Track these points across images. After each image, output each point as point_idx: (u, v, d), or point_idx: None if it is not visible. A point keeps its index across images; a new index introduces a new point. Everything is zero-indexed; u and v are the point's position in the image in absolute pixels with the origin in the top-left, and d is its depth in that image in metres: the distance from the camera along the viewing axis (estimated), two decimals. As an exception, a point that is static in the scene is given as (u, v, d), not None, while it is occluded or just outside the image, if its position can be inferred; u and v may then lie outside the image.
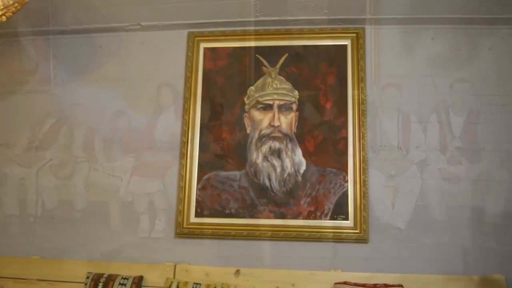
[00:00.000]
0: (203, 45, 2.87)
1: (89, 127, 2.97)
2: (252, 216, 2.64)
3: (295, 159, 2.65)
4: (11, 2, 2.16)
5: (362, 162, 2.58)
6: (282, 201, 2.62)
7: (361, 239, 2.53)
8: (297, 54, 2.77)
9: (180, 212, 2.69)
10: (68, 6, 2.82)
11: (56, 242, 2.87)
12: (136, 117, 2.92)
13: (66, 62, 3.09)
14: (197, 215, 2.69)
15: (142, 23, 2.93)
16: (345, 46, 2.75)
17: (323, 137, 2.66)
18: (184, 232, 2.67)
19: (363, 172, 2.58)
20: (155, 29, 2.96)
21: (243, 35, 2.83)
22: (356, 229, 2.54)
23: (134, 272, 2.61)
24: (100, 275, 2.59)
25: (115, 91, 2.98)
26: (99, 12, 2.85)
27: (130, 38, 3.01)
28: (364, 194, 2.56)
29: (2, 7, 2.14)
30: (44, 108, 3.06)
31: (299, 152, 2.66)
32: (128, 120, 2.92)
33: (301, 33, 2.79)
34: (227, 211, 2.66)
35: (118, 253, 2.77)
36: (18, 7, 2.26)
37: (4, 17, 2.28)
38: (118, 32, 3.02)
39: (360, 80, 2.67)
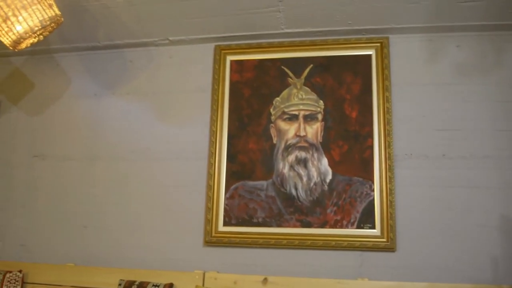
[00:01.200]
0: (229, 58, 2.94)
1: (121, 139, 3.06)
2: (279, 225, 2.67)
3: (321, 169, 2.68)
4: (48, 22, 2.27)
5: (388, 171, 2.59)
6: (309, 210, 2.65)
7: (388, 248, 2.52)
8: (322, 65, 2.81)
9: (209, 221, 2.75)
10: (100, 23, 2.92)
11: (90, 250, 2.96)
12: (165, 128, 2.99)
13: (99, 76, 3.20)
14: (225, 224, 2.74)
15: (171, 38, 3.01)
16: (369, 56, 2.77)
17: (349, 147, 2.68)
18: (212, 240, 2.73)
19: (389, 181, 2.58)
20: (183, 43, 3.04)
21: (269, 47, 2.88)
22: (383, 238, 2.54)
23: (164, 279, 2.66)
24: (131, 282, 2.65)
25: (145, 104, 3.06)
26: (130, 28, 2.94)
27: (159, 53, 3.10)
28: (390, 203, 2.56)
29: (40, 27, 2.26)
30: (77, 120, 3.17)
31: (325, 161, 2.68)
32: (157, 132, 3.00)
33: (325, 44, 2.82)
34: (255, 220, 2.71)
35: (149, 260, 2.83)
36: (55, 27, 2.38)
37: (41, 36, 2.41)
38: (147, 47, 3.11)
39: (385, 89, 2.68)
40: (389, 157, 2.61)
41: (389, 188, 2.57)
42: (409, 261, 2.53)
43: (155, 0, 2.66)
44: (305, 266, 2.62)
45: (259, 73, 2.88)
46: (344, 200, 2.62)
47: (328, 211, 2.63)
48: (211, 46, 3.00)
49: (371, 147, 2.65)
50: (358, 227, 2.59)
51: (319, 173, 2.67)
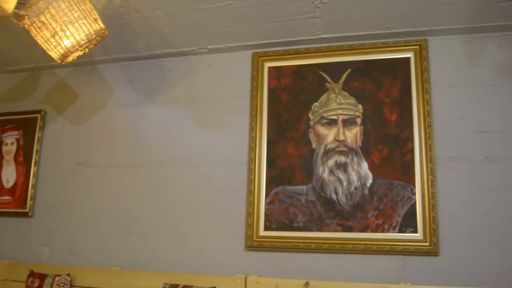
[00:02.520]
0: (267, 65, 2.97)
1: (162, 146, 3.13)
2: (319, 230, 2.68)
3: (361, 173, 2.67)
4: (93, 36, 2.36)
5: (430, 175, 2.56)
6: (349, 214, 2.65)
7: (431, 252, 2.49)
8: (360, 69, 2.80)
9: (250, 226, 2.78)
10: (140, 34, 3.01)
11: (134, 254, 3.04)
12: (205, 135, 3.05)
13: (139, 86, 3.29)
14: (266, 228, 2.76)
15: (209, 46, 3.07)
16: (408, 59, 2.74)
17: (389, 150, 2.66)
18: (253, 245, 2.76)
19: (431, 184, 2.55)
20: (221, 51, 3.10)
21: (306, 53, 2.90)
22: (425, 242, 2.51)
23: (206, 283, 2.71)
24: (175, 286, 2.71)
25: (185, 112, 3.13)
26: (169, 38, 3.02)
27: (198, 61, 3.16)
28: (433, 207, 2.53)
29: (86, 40, 2.35)
30: (120, 129, 3.27)
31: (365, 165, 2.68)
32: (197, 139, 3.06)
33: (363, 48, 2.81)
34: (295, 225, 2.72)
35: (191, 265, 2.89)
36: (99, 40, 2.47)
37: (87, 49, 2.50)
38: (186, 56, 3.18)
39: (425, 91, 2.66)
40: (430, 160, 2.58)
41: (431, 192, 2.54)
42: (453, 265, 2.49)
43: (193, 10, 2.72)
44: (346, 271, 2.62)
45: (297, 79, 2.90)
46: (385, 204, 2.61)
47: (369, 215, 2.62)
48: (249, 53, 3.04)
49: (411, 151, 2.63)
50: (400, 231, 2.56)
51: (359, 177, 2.67)
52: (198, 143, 3.05)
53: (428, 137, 2.60)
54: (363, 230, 2.61)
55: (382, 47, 2.79)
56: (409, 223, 2.56)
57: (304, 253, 2.69)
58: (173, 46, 3.10)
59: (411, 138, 2.65)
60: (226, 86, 3.07)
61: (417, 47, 2.74)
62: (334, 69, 2.84)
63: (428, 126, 2.62)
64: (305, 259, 2.69)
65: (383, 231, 2.59)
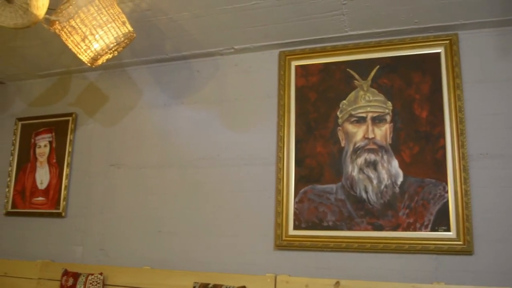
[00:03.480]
0: (294, 63, 2.96)
1: (190, 146, 3.16)
2: (349, 228, 2.65)
3: (392, 171, 2.63)
4: (122, 39, 2.40)
5: (463, 172, 2.50)
6: (380, 213, 2.61)
7: (465, 251, 2.43)
8: (389, 66, 2.76)
9: (279, 225, 2.78)
10: (168, 36, 3.04)
11: (164, 253, 3.08)
12: (233, 135, 3.06)
13: (168, 87, 3.32)
14: (295, 227, 2.75)
15: (236, 46, 3.08)
16: (438, 54, 2.69)
17: (420, 148, 2.61)
18: (283, 244, 2.75)
19: (464, 181, 2.49)
20: (248, 51, 3.10)
21: (333, 50, 2.87)
22: (459, 241, 2.45)
23: (236, 282, 2.72)
24: (205, 285, 2.73)
25: (213, 112, 3.15)
26: (196, 39, 3.04)
27: (225, 61, 3.18)
28: (466, 205, 2.47)
29: (115, 43, 2.38)
30: (149, 130, 3.32)
31: (395, 163, 2.64)
32: (225, 139, 3.07)
33: (391, 44, 2.77)
34: (325, 224, 2.70)
35: (221, 264, 2.91)
36: (128, 42, 2.50)
37: (116, 52, 2.54)
38: (213, 56, 3.20)
39: (456, 87, 2.60)
40: (463, 157, 2.52)
41: (464, 189, 2.48)
42: (488, 265, 2.43)
43: (219, 11, 2.73)
44: (377, 270, 2.59)
45: (325, 77, 2.88)
46: (417, 202, 2.56)
47: (400, 213, 2.58)
48: (275, 52, 3.04)
49: (443, 148, 2.58)
50: (432, 229, 2.52)
51: (390, 175, 2.63)
52: (227, 143, 3.06)
53: (461, 133, 2.55)
54: (394, 229, 2.58)
55: (411, 42, 2.74)
56: (441, 222, 2.51)
57: (334, 252, 2.67)
58: (200, 47, 3.12)
59: (442, 135, 2.59)
60: (253, 85, 3.08)
61: (447, 41, 2.68)
62: (362, 66, 2.81)
63: (460, 122, 2.56)
64: (335, 259, 2.67)
65: (415, 229, 2.55)
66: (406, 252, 2.54)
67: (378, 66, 2.78)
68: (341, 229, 2.67)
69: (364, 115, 2.75)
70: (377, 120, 2.72)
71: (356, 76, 2.81)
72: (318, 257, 2.71)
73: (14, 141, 3.82)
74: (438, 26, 2.67)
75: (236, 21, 2.80)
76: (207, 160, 3.09)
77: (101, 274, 3.03)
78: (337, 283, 2.57)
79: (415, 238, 2.53)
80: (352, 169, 2.71)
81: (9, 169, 3.78)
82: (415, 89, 2.69)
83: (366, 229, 2.62)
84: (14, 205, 3.70)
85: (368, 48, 2.81)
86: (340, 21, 2.70)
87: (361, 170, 2.69)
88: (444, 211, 2.51)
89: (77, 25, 2.32)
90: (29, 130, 3.78)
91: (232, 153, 3.03)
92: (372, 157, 2.68)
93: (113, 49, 2.48)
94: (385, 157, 2.66)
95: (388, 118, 2.70)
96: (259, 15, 2.73)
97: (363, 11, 2.60)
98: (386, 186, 2.63)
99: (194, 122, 3.18)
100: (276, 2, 2.60)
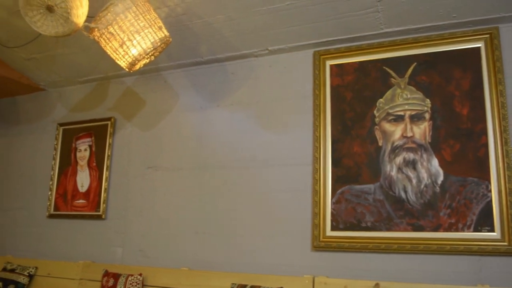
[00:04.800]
0: (329, 63, 2.93)
1: (227, 148, 3.18)
2: (388, 229, 2.60)
3: (432, 170, 2.57)
4: (159, 44, 2.45)
5: (507, 170, 2.41)
6: (420, 213, 2.55)
7: (510, 252, 2.34)
8: (426, 62, 2.70)
9: (316, 226, 2.75)
10: (202, 40, 3.08)
11: (202, 254, 3.10)
12: (269, 136, 3.05)
13: (203, 90, 3.36)
14: (333, 228, 2.72)
15: (270, 48, 3.08)
16: (478, 49, 2.61)
17: (461, 145, 2.54)
18: (320, 245, 2.73)
19: (508, 180, 2.40)
20: (282, 52, 3.10)
21: (368, 48, 2.83)
22: (504, 242, 2.36)
23: (274, 283, 2.71)
24: (243, 286, 2.73)
25: (249, 113, 3.16)
26: (230, 42, 3.06)
27: (259, 63, 3.19)
28: (511, 204, 2.38)
29: (152, 48, 2.43)
30: (186, 133, 3.36)
31: (435, 162, 2.57)
32: (261, 140, 3.07)
33: (429, 40, 2.70)
34: (363, 224, 2.66)
35: (258, 265, 2.90)
36: (164, 47, 2.55)
37: (152, 57, 2.59)
38: (248, 58, 3.21)
39: (498, 82, 2.51)
40: (506, 155, 2.43)
41: (509, 188, 2.40)
42: (535, 266, 2.34)
43: (253, 13, 2.75)
44: (418, 272, 2.52)
45: (360, 76, 2.84)
46: (459, 202, 2.49)
47: (441, 214, 2.51)
48: (309, 52, 3.02)
49: (485, 145, 2.49)
50: (475, 230, 2.44)
51: (430, 174, 2.57)
52: (262, 144, 3.06)
53: (504, 130, 2.46)
54: (435, 229, 2.51)
55: (449, 38, 2.67)
56: (485, 222, 2.43)
57: (373, 253, 2.63)
58: (235, 49, 3.14)
59: (484, 132, 2.51)
60: (288, 86, 3.07)
61: (487, 36, 2.60)
62: (399, 64, 2.76)
63: (503, 118, 2.47)
64: (374, 260, 2.63)
65: (456, 230, 2.47)
66: (448, 254, 2.47)
67: (415, 63, 2.72)
68: (380, 230, 2.62)
69: (402, 113, 2.69)
70: (416, 118, 2.66)
71: (393, 74, 2.76)
72: (356, 259, 2.67)
73: (56, 145, 3.94)
74: (477, 20, 2.59)
75: (270, 22, 2.81)
76: (243, 162, 3.09)
77: (140, 275, 3.08)
78: (377, 284, 2.52)
79: (457, 239, 2.46)
80: (391, 169, 2.66)
81: (52, 173, 3.91)
82: (455, 86, 2.62)
83: (405, 230, 2.57)
84: (56, 208, 3.82)
85: (404, 45, 2.76)
86: (375, 18, 2.67)
87: (399, 169, 2.63)
88: (487, 210, 2.43)
89: (115, 31, 2.38)
90: (70, 135, 3.89)
91: (268, 154, 3.03)
92: (411, 156, 2.62)
93: (150, 54, 2.53)
94: (424, 155, 2.60)
95: (427, 115, 2.64)
96: (293, 16, 2.73)
97: (399, 7, 2.56)
98: (426, 186, 2.57)
99: (229, 124, 3.20)
100: (310, 2, 2.60)
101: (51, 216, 3.82)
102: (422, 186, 2.57)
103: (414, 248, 2.52)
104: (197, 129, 3.32)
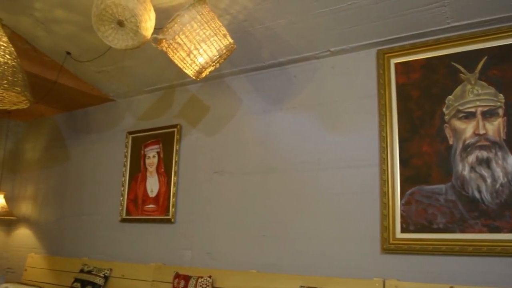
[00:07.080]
0: (393, 61, 2.87)
1: (291, 151, 3.18)
2: (462, 231, 2.50)
3: (508, 168, 2.44)
4: (224, 51, 2.50)
5: None
6: (496, 214, 2.43)
7: None
8: (498, 55, 2.57)
9: (385, 228, 2.70)
10: (264, 45, 3.11)
11: (269, 257, 3.13)
12: (334, 138, 3.03)
13: (266, 94, 3.39)
14: (403, 230, 2.65)
15: (332, 49, 3.06)
16: (555, 38, 2.47)
17: (540, 141, 2.41)
18: (390, 248, 2.67)
19: None
20: (344, 52, 3.07)
21: (435, 44, 2.74)
22: None
23: (343, 286, 2.69)
24: (312, 289, 2.74)
25: (312, 115, 3.15)
26: (292, 45, 3.08)
27: (321, 65, 3.17)
28: None
29: (217, 56, 2.49)
30: (250, 137, 3.41)
31: (511, 160, 2.45)
32: (326, 142, 3.05)
33: (500, 32, 2.57)
34: (435, 226, 2.57)
35: (326, 267, 2.89)
36: (229, 54, 2.60)
37: (218, 64, 2.65)
38: (310, 60, 3.21)
39: None
40: None
41: None
42: None
43: (314, 15, 2.74)
44: (495, 275, 2.41)
45: (427, 73, 2.75)
46: (539, 201, 2.35)
47: (520, 214, 2.38)
48: (373, 51, 2.97)
49: None
50: (559, 231, 2.30)
51: (506, 173, 2.44)
52: (327, 146, 3.04)
53: None
54: (514, 230, 2.38)
55: (523, 29, 2.54)
56: None
57: (446, 256, 2.53)
58: (296, 52, 3.15)
59: None
60: (352, 87, 3.03)
61: None
62: (468, 58, 2.65)
63: None
64: (447, 263, 2.53)
65: (538, 231, 2.34)
66: (529, 256, 2.34)
67: (486, 57, 2.60)
68: (453, 231, 2.52)
69: (473, 110, 2.58)
70: (488, 114, 2.54)
71: (462, 69, 2.65)
72: (428, 261, 2.59)
73: (126, 153, 4.12)
74: (554, 8, 2.45)
75: (332, 23, 2.79)
76: (308, 164, 3.09)
77: (210, 277, 3.16)
78: (451, 288, 2.43)
79: (539, 240, 2.32)
80: (463, 168, 2.55)
81: (123, 179, 4.09)
82: (530, 79, 2.48)
83: (481, 231, 2.46)
84: (128, 213, 3.99)
85: (473, 38, 2.65)
86: (441, 13, 2.58)
87: (472, 168, 2.52)
88: None
89: (182, 41, 2.46)
90: (139, 143, 4.06)
91: (333, 156, 3.00)
92: (484, 154, 2.51)
93: (216, 61, 2.59)
94: (499, 153, 2.47)
95: (501, 111, 2.51)
96: (355, 15, 2.70)
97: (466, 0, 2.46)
98: (502, 185, 2.44)
99: (293, 127, 3.21)
100: (372, 0, 2.56)
101: (123, 220, 4.00)
102: (498, 186, 2.45)
103: (490, 251, 2.41)
104: (261, 133, 3.36)
